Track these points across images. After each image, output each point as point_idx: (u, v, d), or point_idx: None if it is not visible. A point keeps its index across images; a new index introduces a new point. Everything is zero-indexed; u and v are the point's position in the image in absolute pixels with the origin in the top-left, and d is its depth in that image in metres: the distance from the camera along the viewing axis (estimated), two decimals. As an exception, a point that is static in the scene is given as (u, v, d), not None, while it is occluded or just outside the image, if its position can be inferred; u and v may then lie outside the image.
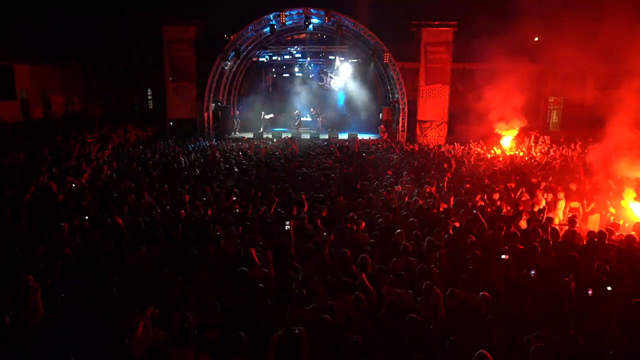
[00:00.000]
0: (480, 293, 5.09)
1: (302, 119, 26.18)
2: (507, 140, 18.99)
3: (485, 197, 9.38)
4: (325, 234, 6.63)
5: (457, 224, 7.75)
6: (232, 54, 22.29)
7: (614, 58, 11.21)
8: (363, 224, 7.32)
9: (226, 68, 23.59)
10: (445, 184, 10.44)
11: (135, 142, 18.89)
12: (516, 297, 5.31)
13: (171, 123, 23.34)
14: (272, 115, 25.75)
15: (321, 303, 4.96)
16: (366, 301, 5.08)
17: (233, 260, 6.00)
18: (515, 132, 19.18)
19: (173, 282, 5.27)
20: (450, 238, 6.98)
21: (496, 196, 9.51)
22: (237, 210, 8.34)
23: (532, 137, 18.74)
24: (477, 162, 14.30)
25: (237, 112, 26.57)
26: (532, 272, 5.65)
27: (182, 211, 7.96)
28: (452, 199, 9.16)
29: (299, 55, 24.87)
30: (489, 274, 5.88)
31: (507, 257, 6.07)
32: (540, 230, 7.26)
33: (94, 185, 10.39)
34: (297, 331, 4.23)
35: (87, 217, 7.59)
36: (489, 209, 8.59)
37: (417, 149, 18.03)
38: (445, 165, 12.96)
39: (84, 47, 26.23)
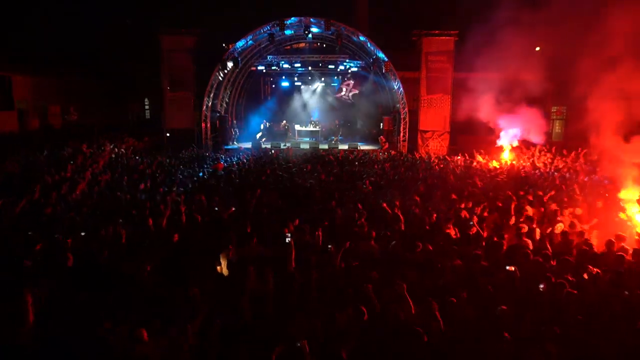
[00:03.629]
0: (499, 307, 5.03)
1: (298, 127, 26.38)
2: (508, 151, 19.05)
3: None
4: (330, 246, 6.60)
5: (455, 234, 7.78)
6: (230, 64, 22.42)
7: (618, 67, 11.23)
8: (374, 233, 7.31)
9: (224, 77, 23.70)
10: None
11: (131, 153, 18.92)
12: (523, 310, 5.27)
13: (168, 134, 23.36)
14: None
15: (323, 315, 4.93)
16: (368, 314, 5.04)
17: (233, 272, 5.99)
18: (515, 144, 19.26)
19: (171, 294, 5.25)
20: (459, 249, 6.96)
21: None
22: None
23: (537, 148, 18.76)
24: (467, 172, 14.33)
25: (235, 122, 26.70)
26: (541, 286, 5.58)
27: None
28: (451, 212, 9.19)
29: (298, 64, 25.02)
30: (494, 285, 5.85)
31: (511, 268, 6.02)
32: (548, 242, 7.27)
33: (90, 196, 10.37)
34: (299, 344, 4.20)
35: (82, 229, 7.58)
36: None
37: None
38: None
39: (81, 57, 26.42)
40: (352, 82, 27.96)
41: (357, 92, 27.88)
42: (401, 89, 22.32)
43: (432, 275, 6.08)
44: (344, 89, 28.18)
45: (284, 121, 26.84)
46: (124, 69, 27.46)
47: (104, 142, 19.01)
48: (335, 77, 27.91)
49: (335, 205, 9.37)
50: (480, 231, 7.83)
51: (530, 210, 9.38)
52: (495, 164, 16.97)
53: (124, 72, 27.50)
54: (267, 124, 26.68)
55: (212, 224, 8.34)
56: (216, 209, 9.18)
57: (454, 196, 10.41)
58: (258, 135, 25.34)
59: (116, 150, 17.95)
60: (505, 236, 7.56)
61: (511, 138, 19.33)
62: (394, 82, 22.61)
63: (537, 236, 7.93)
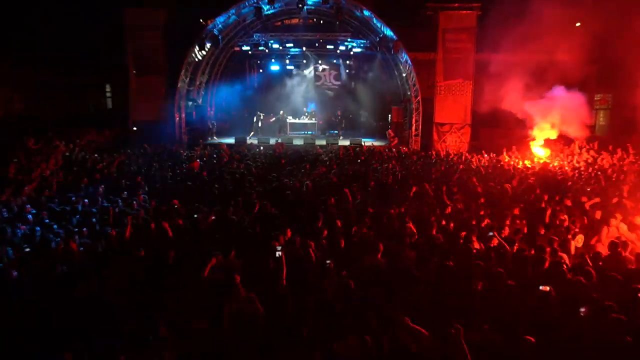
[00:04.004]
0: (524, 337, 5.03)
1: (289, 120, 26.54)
2: (541, 148, 19.11)
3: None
4: (328, 261, 6.61)
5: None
6: (209, 43, 22.38)
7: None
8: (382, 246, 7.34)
9: (202, 60, 23.69)
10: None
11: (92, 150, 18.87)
12: (560, 340, 5.27)
13: (134, 127, 23.24)
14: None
15: (320, 345, 4.94)
16: (373, 344, 5.04)
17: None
18: (553, 137, 19.31)
19: (138, 322, 5.25)
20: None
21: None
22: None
23: (576, 144, 18.82)
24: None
25: (215, 113, 26.66)
26: (582, 310, 5.57)
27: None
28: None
29: (290, 44, 25.02)
30: (524, 309, 5.86)
31: (546, 288, 5.99)
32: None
33: (38, 203, 10.35)
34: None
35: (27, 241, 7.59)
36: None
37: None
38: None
39: (26, 36, 26.24)
40: (327, 66, 28.47)
41: (336, 72, 28.54)
42: (413, 73, 22.35)
43: (449, 296, 6.08)
44: (323, 77, 28.54)
45: (281, 112, 26.75)
46: (80, 48, 27.22)
47: (55, 136, 18.92)
48: (335, 60, 28.03)
49: (334, 213, 9.37)
50: (505, 244, 7.83)
51: (566, 219, 9.41)
52: (526, 162, 17.01)
53: (80, 52, 27.28)
54: (262, 115, 26.60)
55: (189, 234, 8.35)
56: (195, 216, 9.21)
57: (481, 200, 10.47)
58: (251, 130, 25.43)
59: (71, 146, 17.90)
60: (547, 250, 7.57)
61: (545, 132, 19.37)
62: (404, 65, 22.63)
63: (573, 250, 7.97)
